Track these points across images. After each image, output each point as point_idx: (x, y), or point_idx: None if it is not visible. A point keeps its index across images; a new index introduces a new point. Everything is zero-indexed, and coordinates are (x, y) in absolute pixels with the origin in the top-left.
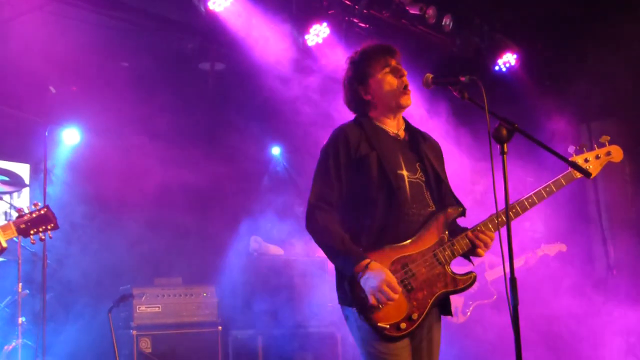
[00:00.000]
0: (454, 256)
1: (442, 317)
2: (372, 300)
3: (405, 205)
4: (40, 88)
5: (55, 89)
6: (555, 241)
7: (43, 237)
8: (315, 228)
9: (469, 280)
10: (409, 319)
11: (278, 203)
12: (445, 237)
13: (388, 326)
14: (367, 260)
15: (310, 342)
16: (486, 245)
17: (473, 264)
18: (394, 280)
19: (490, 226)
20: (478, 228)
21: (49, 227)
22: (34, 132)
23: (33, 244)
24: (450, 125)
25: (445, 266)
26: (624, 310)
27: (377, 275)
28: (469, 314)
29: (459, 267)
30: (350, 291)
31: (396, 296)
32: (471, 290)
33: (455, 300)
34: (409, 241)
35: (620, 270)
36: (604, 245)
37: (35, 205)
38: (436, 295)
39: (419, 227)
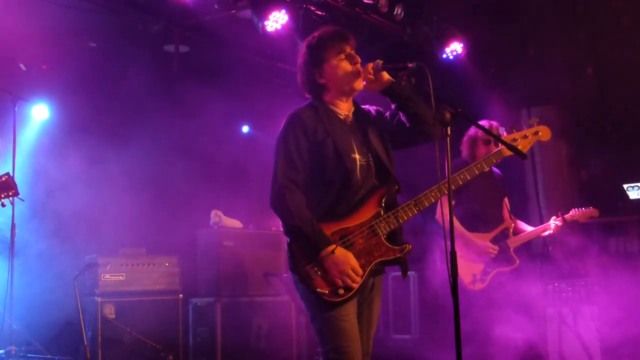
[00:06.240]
0: (390, 228)
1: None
2: (339, 283)
3: (356, 186)
4: (10, 65)
5: (25, 66)
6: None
7: (5, 204)
8: (283, 208)
9: (404, 250)
10: (346, 286)
11: (240, 178)
12: (382, 211)
13: (327, 292)
14: (333, 246)
15: (266, 309)
16: None
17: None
18: (357, 265)
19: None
20: (409, 204)
21: (10, 194)
22: (4, 107)
23: None
24: None
25: (382, 237)
26: (557, 282)
27: (344, 261)
28: (487, 281)
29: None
30: (294, 261)
31: (360, 280)
32: (491, 257)
33: (473, 268)
34: (349, 216)
35: (555, 247)
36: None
37: None
38: (373, 263)
39: (359, 204)
